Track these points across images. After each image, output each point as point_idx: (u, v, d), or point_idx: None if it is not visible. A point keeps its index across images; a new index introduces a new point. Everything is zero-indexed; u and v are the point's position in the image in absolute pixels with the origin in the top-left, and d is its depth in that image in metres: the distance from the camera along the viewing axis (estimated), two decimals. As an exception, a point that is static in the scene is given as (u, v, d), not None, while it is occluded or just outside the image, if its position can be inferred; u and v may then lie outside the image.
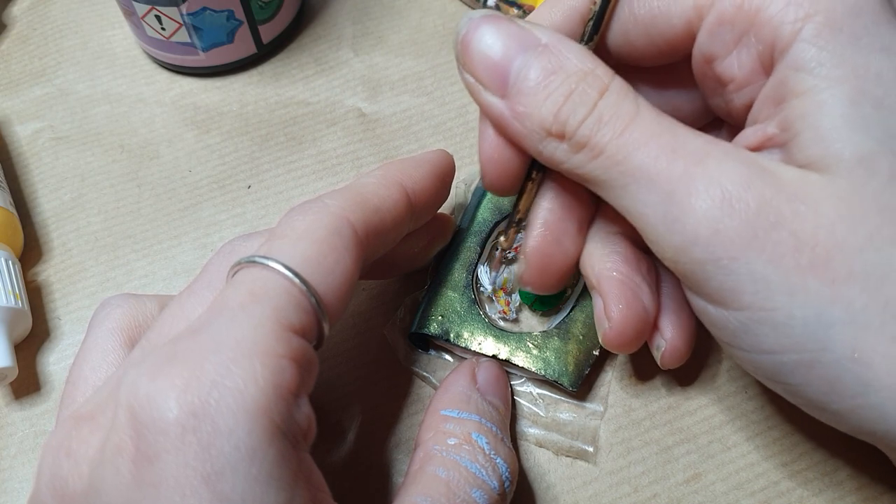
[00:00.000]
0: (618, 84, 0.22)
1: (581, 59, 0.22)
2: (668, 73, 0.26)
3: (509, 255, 0.32)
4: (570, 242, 0.26)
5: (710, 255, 0.21)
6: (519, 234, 0.27)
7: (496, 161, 0.25)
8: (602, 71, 0.22)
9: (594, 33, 0.24)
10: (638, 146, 0.21)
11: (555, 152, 0.23)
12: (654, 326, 0.27)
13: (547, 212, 0.26)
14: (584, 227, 0.27)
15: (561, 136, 0.22)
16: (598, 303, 0.26)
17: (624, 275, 0.25)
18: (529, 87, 0.22)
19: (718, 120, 0.27)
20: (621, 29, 0.25)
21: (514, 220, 0.27)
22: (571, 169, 0.23)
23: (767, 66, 0.22)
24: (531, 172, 0.26)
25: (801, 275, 0.20)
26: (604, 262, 0.26)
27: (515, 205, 0.26)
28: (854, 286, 0.20)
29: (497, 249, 0.33)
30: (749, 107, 0.23)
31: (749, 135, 0.23)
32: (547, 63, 0.22)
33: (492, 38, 0.23)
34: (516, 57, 0.22)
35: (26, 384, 0.32)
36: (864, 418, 0.20)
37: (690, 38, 0.24)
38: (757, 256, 0.20)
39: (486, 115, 0.24)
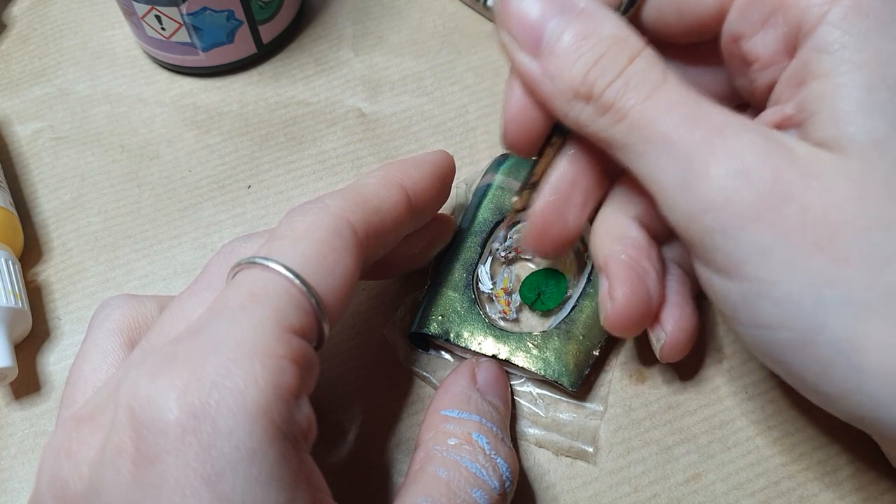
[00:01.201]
0: (648, 53, 0.23)
1: (615, 26, 0.23)
2: (696, 53, 0.27)
3: (509, 256, 0.32)
4: (573, 215, 0.26)
5: (720, 223, 0.21)
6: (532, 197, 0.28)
7: (519, 120, 0.25)
8: (634, 40, 0.23)
9: (631, 5, 0.25)
10: (661, 112, 0.22)
11: (580, 114, 0.23)
12: (655, 318, 0.27)
13: (559, 180, 0.26)
14: (590, 203, 0.27)
15: (588, 98, 0.23)
16: (603, 284, 0.26)
17: (632, 258, 0.26)
18: (562, 49, 0.23)
19: (742, 105, 0.27)
20: (655, 5, 0.25)
21: (529, 183, 0.27)
22: (595, 132, 0.23)
23: (791, 47, 0.22)
24: (551, 137, 0.26)
25: (806, 251, 0.20)
26: (614, 243, 0.26)
27: (532, 167, 0.27)
28: (858, 266, 0.20)
29: (500, 249, 0.33)
30: (771, 87, 0.24)
31: (769, 115, 0.23)
32: (582, 26, 0.23)
33: None
34: (552, 18, 0.23)
35: (26, 384, 0.32)
36: (855, 403, 0.20)
37: (721, 16, 0.24)
38: (766, 229, 0.20)
39: (518, 74, 0.24)
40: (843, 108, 0.21)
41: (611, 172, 0.27)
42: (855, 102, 0.20)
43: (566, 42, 0.23)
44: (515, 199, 0.28)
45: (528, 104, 0.25)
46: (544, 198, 0.26)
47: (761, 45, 0.23)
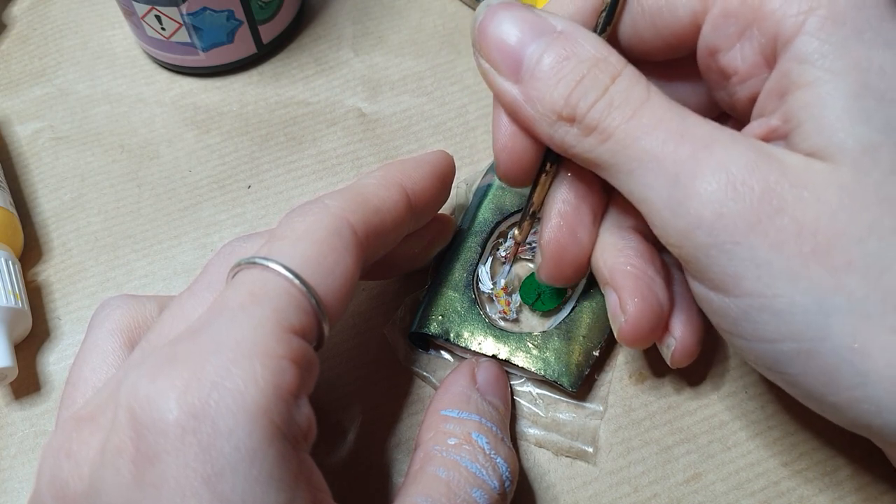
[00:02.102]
0: (630, 71, 0.23)
1: (595, 47, 0.23)
2: (675, 69, 0.26)
3: (503, 255, 0.32)
4: (585, 234, 0.26)
5: (713, 238, 0.21)
6: (533, 227, 0.28)
7: (510, 150, 0.25)
8: (615, 59, 0.23)
9: (607, 24, 0.25)
10: (647, 130, 0.22)
11: (565, 136, 0.23)
12: (664, 326, 0.27)
13: (562, 203, 0.26)
14: (598, 219, 0.27)
15: (571, 120, 0.22)
16: (611, 298, 0.26)
17: (638, 268, 0.26)
18: (542, 72, 0.23)
19: (723, 116, 0.27)
20: (630, 21, 0.25)
21: (529, 213, 0.27)
22: (580, 153, 0.23)
23: (769, 58, 0.22)
24: (545, 164, 0.26)
25: (803, 261, 0.20)
26: (617, 256, 0.26)
27: (529, 197, 0.27)
28: (854, 275, 0.20)
29: (500, 249, 0.33)
30: (752, 99, 0.23)
31: (754, 128, 0.23)
32: (561, 49, 0.23)
33: (508, 24, 0.23)
34: (531, 43, 0.23)
35: (26, 384, 0.32)
36: (860, 411, 0.20)
37: (696, 30, 0.24)
38: (760, 241, 0.20)
39: (500, 100, 0.24)
40: (829, 116, 0.20)
41: (606, 187, 0.27)
42: (841, 110, 0.20)
43: (546, 65, 0.23)
44: (516, 231, 0.28)
45: (516, 133, 0.25)
46: (553, 226, 0.26)
47: (738, 57, 0.23)
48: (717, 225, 0.20)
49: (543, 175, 0.26)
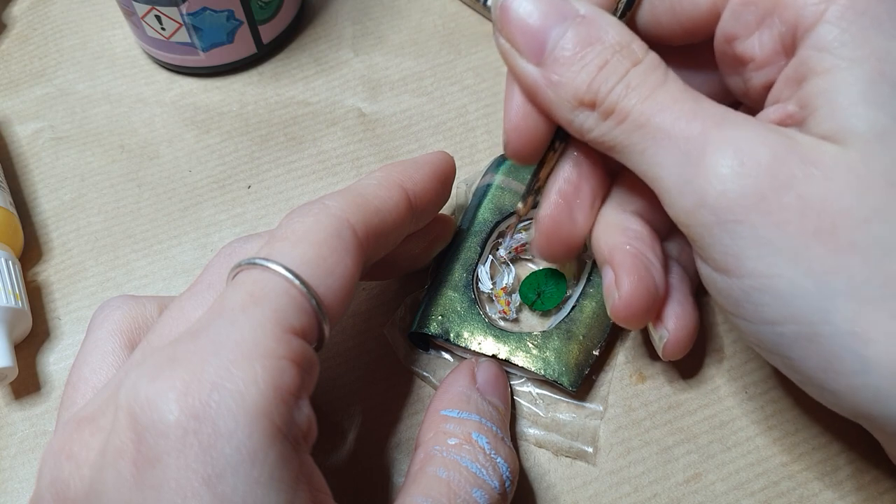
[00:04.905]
0: (651, 57, 0.23)
1: (618, 32, 0.23)
2: (688, 55, 0.27)
3: (510, 256, 0.32)
4: (582, 214, 0.27)
5: (717, 217, 0.21)
6: (536, 203, 0.28)
7: (521, 129, 0.25)
8: (637, 45, 0.23)
9: (628, 8, 0.25)
10: (661, 109, 0.22)
11: (585, 121, 0.23)
12: (657, 317, 0.27)
13: (564, 182, 0.26)
14: (597, 203, 0.27)
15: (592, 105, 0.23)
16: (608, 275, 0.26)
17: (637, 249, 0.26)
18: (566, 57, 0.23)
19: (735, 105, 0.27)
20: (649, 5, 0.25)
21: (533, 189, 0.27)
22: (597, 137, 0.23)
23: (788, 47, 0.22)
24: (554, 142, 0.26)
25: (805, 241, 0.20)
26: (618, 236, 0.26)
27: (535, 174, 0.27)
28: (857, 257, 0.20)
29: (500, 249, 0.33)
30: (766, 87, 0.24)
31: (770, 113, 0.23)
32: (585, 34, 0.23)
33: (531, 5, 0.23)
34: (555, 26, 0.23)
35: (26, 384, 0.32)
36: (861, 399, 0.20)
37: (714, 17, 0.24)
38: (763, 219, 0.20)
39: (519, 81, 0.24)
40: (844, 101, 0.21)
41: (611, 170, 0.27)
42: (857, 95, 0.20)
43: (570, 50, 0.23)
44: (519, 205, 0.28)
45: (529, 111, 0.25)
46: (551, 203, 0.26)
47: (757, 45, 0.23)
48: (722, 202, 0.21)
49: (551, 152, 0.26)
